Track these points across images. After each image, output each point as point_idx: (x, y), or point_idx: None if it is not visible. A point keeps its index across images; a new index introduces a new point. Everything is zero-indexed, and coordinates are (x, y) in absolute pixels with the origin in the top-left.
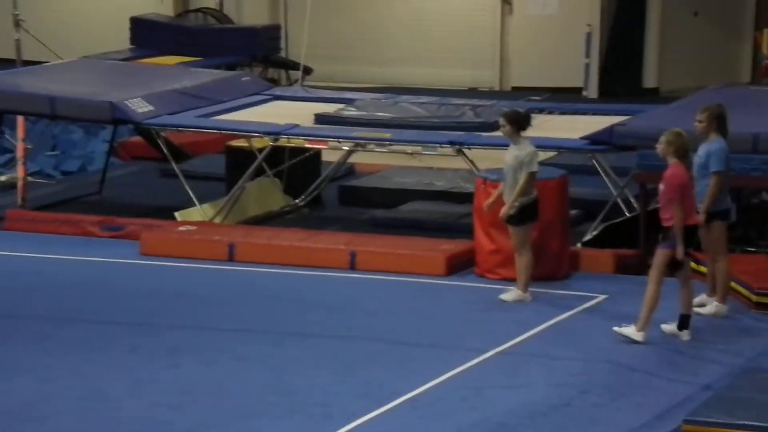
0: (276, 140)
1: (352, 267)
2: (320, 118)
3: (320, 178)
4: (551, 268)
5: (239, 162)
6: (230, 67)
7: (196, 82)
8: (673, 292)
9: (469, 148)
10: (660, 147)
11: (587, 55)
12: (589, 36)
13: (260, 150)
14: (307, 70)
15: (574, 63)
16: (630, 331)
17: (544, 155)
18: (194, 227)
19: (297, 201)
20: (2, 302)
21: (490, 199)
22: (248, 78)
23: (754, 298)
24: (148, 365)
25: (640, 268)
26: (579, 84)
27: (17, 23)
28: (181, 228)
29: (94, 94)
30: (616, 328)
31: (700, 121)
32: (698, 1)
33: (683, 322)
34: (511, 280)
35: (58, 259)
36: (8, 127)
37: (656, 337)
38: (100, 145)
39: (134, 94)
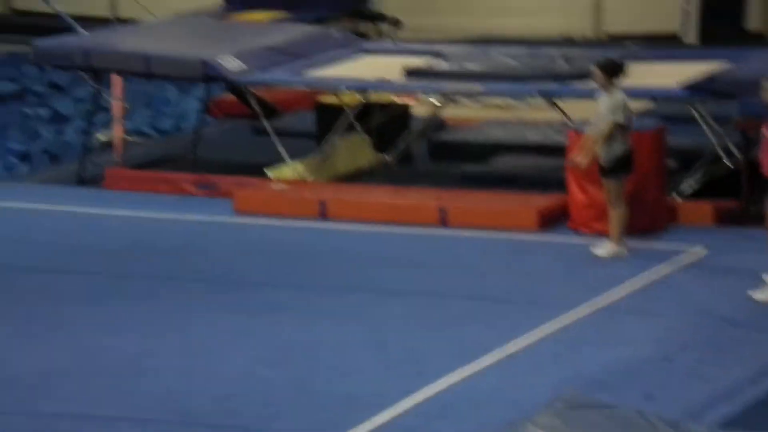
0: (366, 96)
1: (443, 223)
2: (410, 72)
3: (410, 133)
4: (648, 222)
5: (329, 118)
6: (320, 22)
7: (287, 37)
8: None
9: (561, 99)
10: (764, 93)
11: None
12: None
13: (350, 106)
14: (397, 23)
15: (672, 7)
16: (766, 296)
17: (641, 105)
18: (286, 185)
19: (387, 157)
20: (104, 262)
21: (579, 152)
22: (338, 32)
23: None
24: (246, 322)
25: (742, 219)
26: (677, 29)
27: None
28: (274, 186)
29: (187, 51)
30: (750, 292)
31: None
32: None
33: None
34: (606, 234)
35: (156, 218)
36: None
37: None
38: (193, 103)
39: (226, 51)
